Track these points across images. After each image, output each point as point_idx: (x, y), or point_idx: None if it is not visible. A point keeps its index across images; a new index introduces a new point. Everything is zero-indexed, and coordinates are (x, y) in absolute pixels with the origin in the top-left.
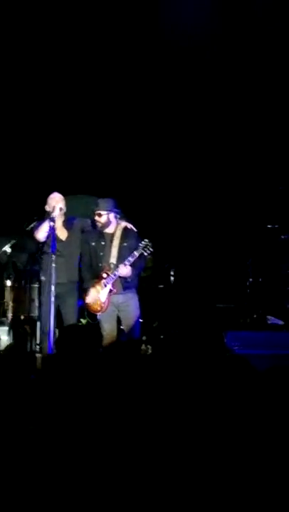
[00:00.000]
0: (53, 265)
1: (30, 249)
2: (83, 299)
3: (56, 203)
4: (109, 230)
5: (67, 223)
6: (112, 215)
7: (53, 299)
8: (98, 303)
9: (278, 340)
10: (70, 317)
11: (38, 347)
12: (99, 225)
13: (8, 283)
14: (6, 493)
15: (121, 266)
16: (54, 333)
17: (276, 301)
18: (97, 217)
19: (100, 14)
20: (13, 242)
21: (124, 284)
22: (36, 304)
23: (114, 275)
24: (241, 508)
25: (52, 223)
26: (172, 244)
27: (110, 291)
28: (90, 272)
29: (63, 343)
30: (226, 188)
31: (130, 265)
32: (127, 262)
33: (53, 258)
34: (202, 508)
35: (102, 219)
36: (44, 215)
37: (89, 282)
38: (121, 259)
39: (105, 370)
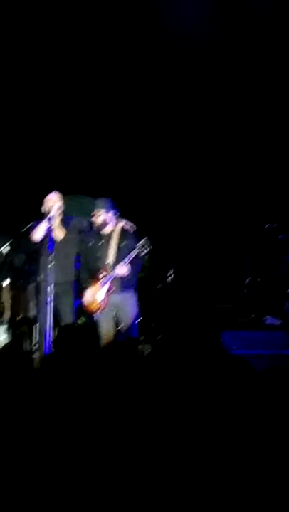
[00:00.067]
0: (51, 265)
1: (28, 249)
2: (81, 300)
3: (54, 202)
4: (106, 230)
5: (65, 223)
6: (109, 215)
7: (50, 298)
8: (96, 303)
9: (276, 341)
10: (68, 317)
11: (35, 347)
12: (96, 225)
13: (6, 283)
14: (3, 493)
15: (119, 266)
16: (52, 332)
17: (274, 301)
18: (94, 218)
19: (100, 14)
20: (10, 241)
21: (122, 283)
22: (34, 303)
23: (112, 275)
24: (241, 508)
25: (50, 223)
26: (170, 244)
27: (108, 291)
28: (88, 271)
29: (61, 342)
30: (224, 188)
31: (128, 265)
32: (124, 262)
33: (50, 258)
34: (202, 508)
35: (100, 219)
36: (42, 215)
37: (86, 282)
38: (119, 259)
39: (103, 370)
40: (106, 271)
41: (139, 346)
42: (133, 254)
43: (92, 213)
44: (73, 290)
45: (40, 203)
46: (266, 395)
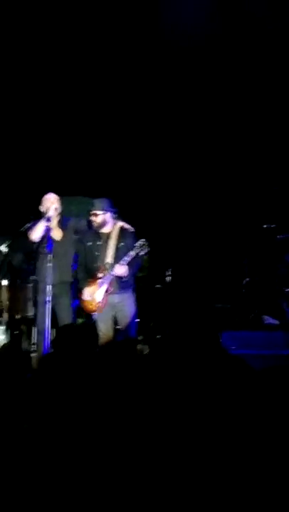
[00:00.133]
0: (49, 265)
1: (26, 249)
2: (79, 299)
3: (51, 203)
4: (105, 230)
5: (62, 223)
6: (108, 215)
7: (49, 298)
8: (94, 303)
9: (274, 341)
10: (65, 317)
11: (33, 347)
12: (95, 225)
13: (4, 282)
14: (1, 492)
15: (117, 266)
16: (50, 332)
17: (272, 301)
18: (93, 218)
19: (100, 14)
20: (8, 241)
21: (121, 283)
22: (32, 303)
23: (111, 275)
24: (238, 507)
25: (48, 223)
26: (169, 244)
27: (106, 291)
28: (86, 271)
29: (59, 342)
30: (222, 188)
31: (126, 265)
32: (123, 262)
33: (49, 258)
34: (200, 507)
35: (98, 219)
36: (40, 215)
37: (84, 282)
38: (117, 259)
39: (102, 370)
40: (104, 271)
41: (138, 346)
42: (132, 254)
43: (91, 213)
44: (71, 290)
45: (39, 202)
46: (264, 395)
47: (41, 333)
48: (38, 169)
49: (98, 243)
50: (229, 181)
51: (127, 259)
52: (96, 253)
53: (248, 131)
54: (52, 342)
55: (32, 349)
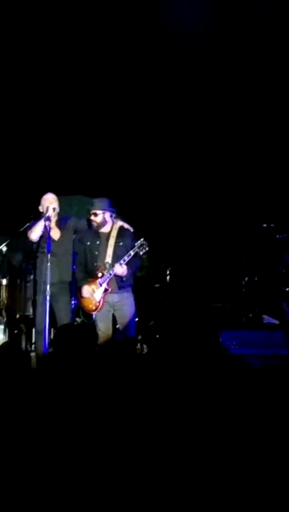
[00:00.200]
0: (48, 264)
1: (25, 249)
2: (78, 299)
3: (50, 203)
4: (105, 229)
5: (61, 223)
6: (107, 215)
7: (48, 298)
8: (93, 302)
9: (274, 340)
10: (64, 316)
11: (33, 346)
12: (94, 224)
13: (4, 282)
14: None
15: (116, 265)
16: (49, 332)
17: (272, 301)
18: (92, 217)
19: (100, 14)
20: (7, 241)
21: (120, 283)
22: (31, 303)
23: (110, 274)
24: (238, 507)
25: (48, 222)
26: (168, 244)
27: (105, 290)
28: (85, 271)
29: (58, 342)
30: (222, 187)
31: (126, 264)
32: (122, 262)
33: (48, 257)
34: (200, 507)
35: (98, 218)
36: (39, 215)
37: (84, 281)
38: (116, 258)
39: (101, 370)
40: (104, 270)
41: (137, 346)
42: (131, 253)
43: (91, 212)
44: (70, 290)
45: (38, 202)
46: (263, 394)
47: (40, 332)
48: (37, 169)
49: (97, 243)
50: (229, 181)
51: (126, 258)
52: (95, 252)
53: (247, 130)
54: (51, 341)
55: (31, 349)
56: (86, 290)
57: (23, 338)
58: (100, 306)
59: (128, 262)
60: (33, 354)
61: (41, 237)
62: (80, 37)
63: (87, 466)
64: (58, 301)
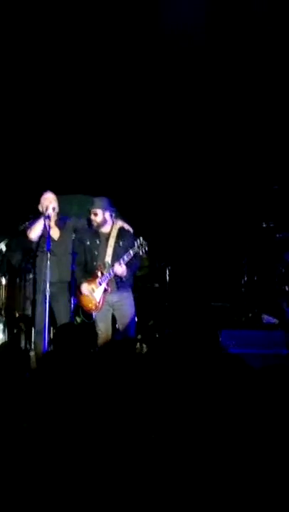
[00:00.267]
0: (48, 263)
1: (25, 248)
2: (78, 298)
3: (49, 202)
4: (104, 229)
5: (60, 222)
6: (107, 214)
7: (47, 297)
8: (93, 302)
9: (274, 340)
10: (63, 316)
11: (32, 346)
12: (94, 224)
13: (3, 281)
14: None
15: (116, 265)
16: (49, 331)
17: (271, 300)
18: (93, 216)
19: (100, 14)
20: (6, 240)
21: (119, 283)
22: (30, 302)
23: (109, 274)
24: (237, 506)
25: (47, 221)
26: (168, 243)
27: (105, 290)
28: (85, 270)
29: (58, 342)
30: (222, 187)
31: (125, 264)
32: (121, 261)
33: (48, 256)
34: (199, 506)
35: (98, 218)
36: (39, 214)
37: (82, 280)
38: (116, 258)
39: (100, 369)
40: (103, 270)
41: (137, 345)
42: (131, 253)
43: (91, 212)
44: (69, 289)
45: (38, 201)
46: (263, 394)
47: (40, 331)
48: (37, 169)
49: (97, 242)
50: (228, 180)
51: (126, 258)
52: (95, 252)
53: (247, 130)
54: (50, 341)
55: (30, 348)
56: (85, 288)
57: (23, 337)
58: (99, 306)
59: (128, 261)
60: (32, 353)
61: (41, 236)
62: (79, 37)
63: (86, 466)
64: (57, 301)
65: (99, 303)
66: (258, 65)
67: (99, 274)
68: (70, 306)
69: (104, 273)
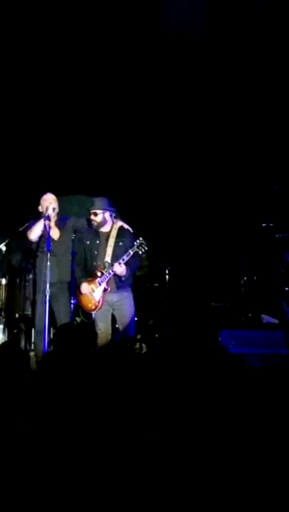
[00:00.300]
0: (48, 264)
1: (25, 248)
2: (77, 298)
3: (49, 203)
4: (104, 229)
5: (60, 223)
6: (107, 214)
7: (47, 297)
8: (92, 301)
9: (273, 340)
10: (63, 316)
11: (32, 345)
12: (94, 224)
13: (3, 281)
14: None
15: (115, 265)
16: (48, 331)
17: (271, 300)
18: (92, 216)
19: (100, 14)
20: (6, 241)
21: (119, 282)
22: (30, 302)
23: (109, 274)
24: (237, 506)
25: (47, 222)
26: (167, 243)
27: (105, 289)
28: (84, 270)
29: (58, 342)
30: (221, 187)
31: (125, 264)
32: (121, 261)
33: (48, 257)
34: (199, 506)
35: (98, 218)
36: (38, 215)
37: (82, 279)
38: (116, 258)
39: (100, 369)
40: (103, 270)
41: (136, 345)
42: (130, 253)
43: (91, 212)
44: (69, 290)
45: (38, 202)
46: (263, 393)
47: (40, 332)
48: (37, 169)
49: (97, 242)
50: (228, 180)
51: (126, 258)
52: (95, 252)
53: (247, 130)
54: (50, 341)
55: (30, 349)
56: (85, 287)
57: (23, 337)
58: (99, 306)
59: (127, 261)
60: (32, 353)
61: (41, 236)
62: (79, 36)
63: (86, 466)
64: (57, 301)
65: (98, 303)
66: (258, 65)
67: (98, 274)
68: (70, 306)
69: (104, 273)
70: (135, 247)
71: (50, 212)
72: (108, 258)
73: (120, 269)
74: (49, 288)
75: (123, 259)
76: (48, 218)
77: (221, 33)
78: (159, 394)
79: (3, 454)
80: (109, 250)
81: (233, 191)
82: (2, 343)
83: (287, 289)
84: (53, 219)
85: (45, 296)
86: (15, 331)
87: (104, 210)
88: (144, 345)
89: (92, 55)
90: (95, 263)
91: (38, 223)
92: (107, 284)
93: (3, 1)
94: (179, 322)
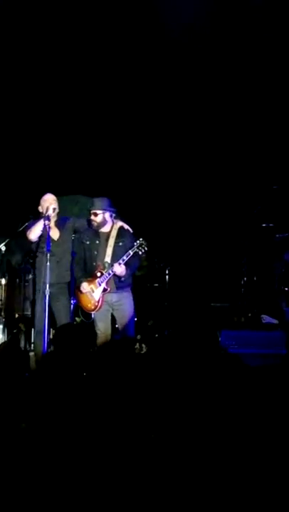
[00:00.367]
0: (48, 264)
1: (24, 249)
2: (77, 298)
3: (49, 204)
4: (104, 229)
5: (60, 223)
6: (107, 215)
7: (46, 298)
8: (92, 302)
9: (273, 340)
10: (63, 316)
11: (32, 345)
12: (94, 224)
13: (3, 281)
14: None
15: (115, 265)
16: (48, 332)
17: (271, 301)
18: (92, 217)
19: (100, 12)
20: (6, 241)
21: (118, 283)
22: (30, 302)
23: (109, 274)
24: (237, 505)
25: (47, 222)
26: (167, 244)
27: (104, 290)
28: (84, 270)
29: (57, 342)
30: (221, 187)
31: (124, 264)
32: (121, 261)
33: (48, 257)
34: (199, 506)
35: (98, 218)
36: (38, 215)
37: (82, 279)
38: (115, 258)
39: (100, 369)
40: (103, 270)
41: (136, 345)
42: (130, 253)
43: (91, 212)
44: (69, 290)
45: (38, 202)
46: (262, 393)
47: (39, 332)
48: (37, 169)
49: (97, 242)
50: (228, 180)
51: (126, 258)
52: (94, 252)
53: (247, 129)
54: (50, 341)
55: (30, 349)
56: (85, 287)
57: (22, 337)
58: (98, 306)
59: (127, 261)
60: (31, 354)
61: (40, 236)
62: (78, 35)
63: (86, 466)
64: (57, 301)
65: (98, 303)
66: (259, 65)
67: (98, 274)
68: (70, 306)
69: (104, 273)
70: (135, 247)
71: (50, 212)
72: (108, 258)
73: (120, 269)
74: (49, 288)
75: (123, 260)
76: (48, 218)
77: (221, 29)
78: (159, 394)
79: (2, 453)
80: (109, 250)
81: (233, 192)
82: (2, 343)
83: (286, 289)
84: (53, 219)
85: (45, 296)
86: (14, 331)
87: (105, 210)
88: (144, 345)
89: (92, 55)
90: (94, 263)
91: (38, 223)
92: (107, 284)
93: (6, 1)
94: (179, 322)
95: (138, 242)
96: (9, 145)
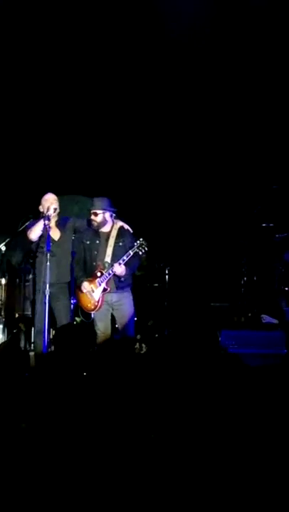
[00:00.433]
0: (48, 264)
1: (25, 248)
2: (77, 298)
3: (50, 203)
4: (104, 229)
5: (60, 223)
6: (107, 214)
7: (47, 297)
8: (92, 301)
9: (273, 340)
10: (63, 316)
11: (32, 345)
12: (95, 224)
13: (3, 281)
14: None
15: (115, 265)
16: (48, 331)
17: (271, 301)
18: (93, 217)
19: (100, 11)
20: (7, 240)
21: (118, 283)
22: (30, 302)
23: (109, 274)
24: (237, 505)
25: (47, 222)
26: (167, 243)
27: (104, 289)
28: (84, 270)
29: (57, 341)
30: (221, 187)
31: (124, 264)
32: (121, 261)
33: (48, 257)
34: (199, 506)
35: (98, 218)
36: (39, 215)
37: (82, 279)
38: (115, 258)
39: (100, 369)
40: (103, 270)
41: (136, 345)
42: (130, 253)
43: (91, 212)
44: (69, 290)
45: (38, 201)
46: (262, 393)
47: (39, 331)
48: (37, 169)
49: (97, 242)
50: (228, 180)
51: (126, 258)
52: (94, 252)
53: (247, 129)
54: (50, 341)
55: (30, 348)
56: (86, 287)
57: (22, 337)
58: (98, 306)
59: (127, 261)
60: (31, 353)
61: (41, 236)
62: (79, 35)
63: (86, 465)
64: (57, 301)
65: (98, 303)
66: (259, 65)
67: (98, 274)
68: (70, 306)
69: (104, 273)
70: (135, 247)
71: (50, 212)
72: (108, 258)
73: (120, 269)
74: (49, 288)
75: (123, 260)
76: (48, 218)
77: (221, 29)
78: (159, 394)
79: (2, 453)
80: (109, 250)
81: (233, 191)
82: (2, 343)
83: (286, 289)
84: (54, 219)
85: (45, 296)
86: (15, 330)
87: (105, 210)
88: (143, 345)
89: (93, 55)
90: (94, 263)
91: (38, 223)
92: (107, 284)
93: (4, 1)
94: (179, 322)
95: (138, 242)
96: (9, 145)
